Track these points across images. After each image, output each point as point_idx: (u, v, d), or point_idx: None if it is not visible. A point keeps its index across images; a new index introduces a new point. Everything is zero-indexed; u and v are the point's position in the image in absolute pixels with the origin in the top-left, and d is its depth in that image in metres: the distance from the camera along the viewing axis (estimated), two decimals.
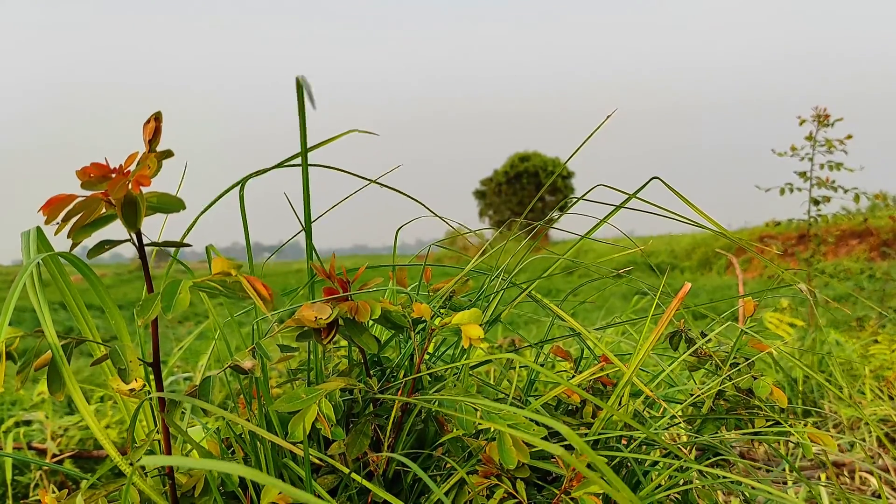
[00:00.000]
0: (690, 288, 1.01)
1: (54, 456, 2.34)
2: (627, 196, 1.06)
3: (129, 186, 0.71)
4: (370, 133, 0.96)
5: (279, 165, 0.95)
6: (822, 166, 4.49)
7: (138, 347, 1.26)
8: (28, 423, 2.61)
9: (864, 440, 2.51)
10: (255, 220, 1.08)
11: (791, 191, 4.52)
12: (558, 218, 1.19)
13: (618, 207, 1.08)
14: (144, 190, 0.74)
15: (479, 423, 0.83)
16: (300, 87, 0.83)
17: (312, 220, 1.01)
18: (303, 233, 1.03)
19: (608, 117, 1.12)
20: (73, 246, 0.75)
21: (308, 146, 0.92)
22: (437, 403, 0.90)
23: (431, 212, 1.17)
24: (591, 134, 1.09)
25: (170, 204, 0.76)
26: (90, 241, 0.80)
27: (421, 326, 1.00)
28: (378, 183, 1.01)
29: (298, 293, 1.15)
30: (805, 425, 2.53)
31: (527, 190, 37.84)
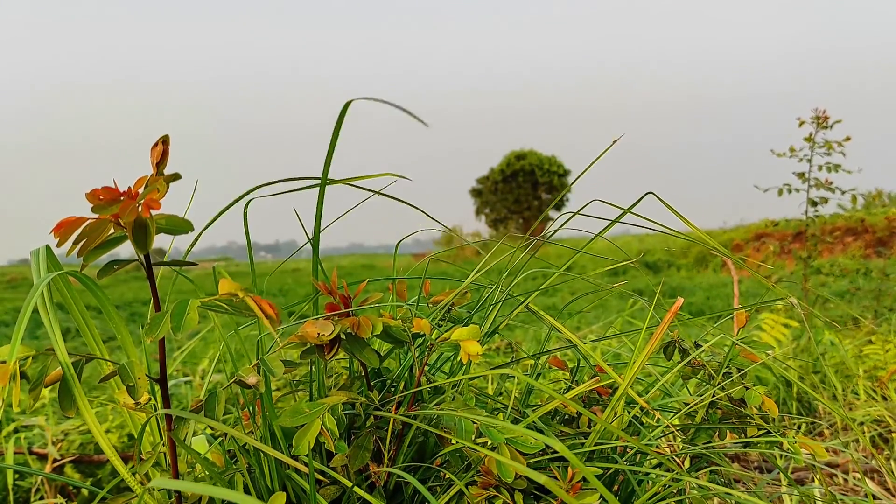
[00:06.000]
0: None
1: (55, 461, 2.36)
2: (622, 211, 1.08)
3: (140, 210, 0.73)
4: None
5: (289, 181, 0.97)
6: (820, 168, 4.50)
7: (139, 349, 1.28)
8: (28, 427, 2.63)
9: (857, 441, 2.54)
10: (253, 220, 1.10)
11: (789, 191, 4.53)
12: (552, 234, 1.22)
13: (612, 223, 1.10)
14: (153, 212, 0.76)
15: (477, 441, 0.86)
16: (342, 114, 0.85)
17: (311, 222, 1.03)
18: (301, 233, 1.08)
19: (614, 142, 1.14)
20: (84, 266, 0.76)
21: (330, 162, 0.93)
22: (436, 419, 0.92)
23: (433, 218, 1.19)
24: (597, 158, 1.12)
25: (178, 226, 0.78)
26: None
27: (420, 341, 1.02)
28: (382, 194, 1.03)
29: (303, 308, 1.18)
30: (799, 427, 2.56)
31: (523, 188, 37.86)
